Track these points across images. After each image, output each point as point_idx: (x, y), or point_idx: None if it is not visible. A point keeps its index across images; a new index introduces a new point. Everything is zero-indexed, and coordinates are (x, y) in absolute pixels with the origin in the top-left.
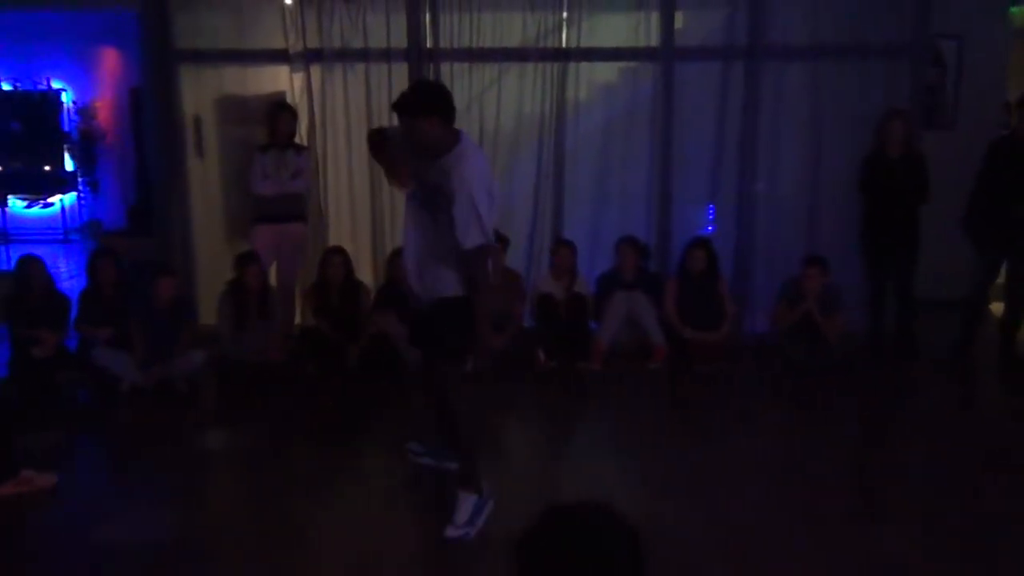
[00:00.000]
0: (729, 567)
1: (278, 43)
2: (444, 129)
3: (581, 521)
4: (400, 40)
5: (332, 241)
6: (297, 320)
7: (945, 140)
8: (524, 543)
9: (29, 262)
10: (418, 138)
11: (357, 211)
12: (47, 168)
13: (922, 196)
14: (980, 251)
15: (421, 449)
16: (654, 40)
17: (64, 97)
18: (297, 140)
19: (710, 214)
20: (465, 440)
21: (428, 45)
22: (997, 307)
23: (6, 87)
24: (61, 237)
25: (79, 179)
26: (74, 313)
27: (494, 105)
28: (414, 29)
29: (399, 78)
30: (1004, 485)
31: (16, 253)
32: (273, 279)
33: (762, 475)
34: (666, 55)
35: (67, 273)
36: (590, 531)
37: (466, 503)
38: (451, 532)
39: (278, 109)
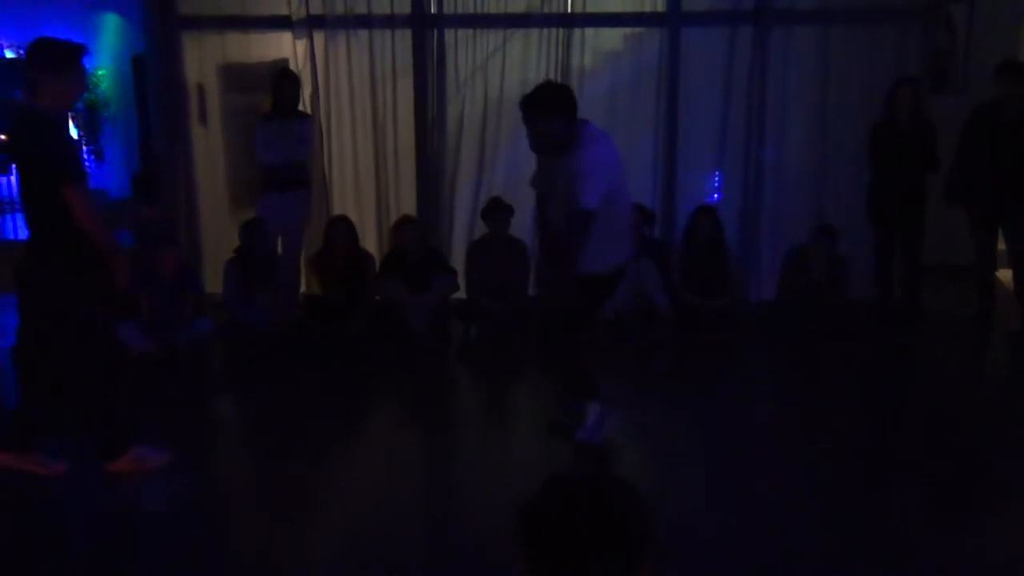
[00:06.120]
0: (735, 534)
1: (281, 9)
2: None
3: (584, 492)
4: (404, 5)
5: (336, 209)
6: (302, 288)
7: (955, 105)
8: (527, 515)
9: None
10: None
11: (361, 179)
12: None
13: (931, 164)
14: (972, 217)
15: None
16: (660, 5)
17: None
18: (301, 108)
19: (716, 181)
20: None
21: (432, 11)
22: (1004, 274)
23: (9, 55)
24: None
25: (84, 147)
26: None
27: (498, 72)
28: None
29: (403, 44)
30: (1011, 446)
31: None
32: (278, 247)
33: (769, 442)
34: (672, 20)
35: None
36: (594, 502)
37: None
38: (580, 434)
39: (281, 77)
